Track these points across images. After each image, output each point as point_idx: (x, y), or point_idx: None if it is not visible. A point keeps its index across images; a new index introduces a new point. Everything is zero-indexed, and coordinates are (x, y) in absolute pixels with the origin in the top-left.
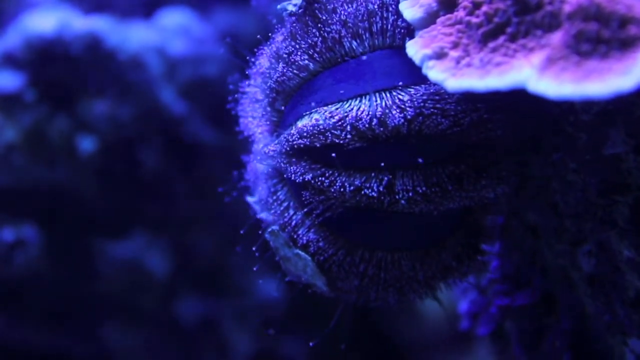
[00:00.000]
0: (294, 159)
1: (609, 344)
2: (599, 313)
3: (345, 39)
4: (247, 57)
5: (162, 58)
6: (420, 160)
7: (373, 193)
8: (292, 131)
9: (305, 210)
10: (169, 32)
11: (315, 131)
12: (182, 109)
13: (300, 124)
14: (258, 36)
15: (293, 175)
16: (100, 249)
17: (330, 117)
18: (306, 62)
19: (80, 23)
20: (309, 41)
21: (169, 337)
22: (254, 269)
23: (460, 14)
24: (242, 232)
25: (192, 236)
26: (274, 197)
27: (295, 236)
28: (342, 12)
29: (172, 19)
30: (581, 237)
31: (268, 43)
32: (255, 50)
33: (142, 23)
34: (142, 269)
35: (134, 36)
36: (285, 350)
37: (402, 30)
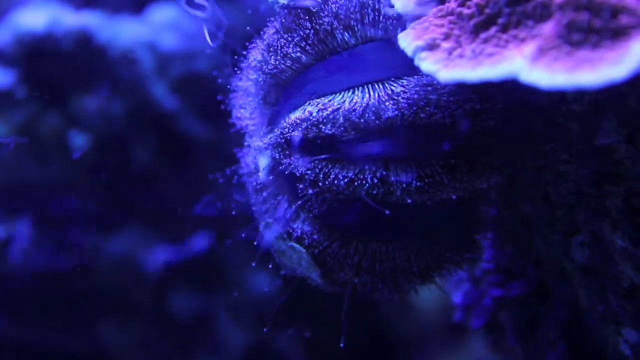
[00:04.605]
0: (287, 152)
1: (603, 333)
2: (593, 303)
3: (338, 31)
4: (239, 51)
5: (153, 53)
6: (413, 151)
7: (366, 185)
8: (285, 124)
9: (300, 202)
10: (160, 27)
11: (308, 123)
12: (173, 104)
13: (293, 116)
14: (247, 28)
15: (287, 168)
16: (93, 244)
17: (324, 109)
18: (298, 54)
19: (71, 19)
20: (301, 33)
21: (163, 332)
22: (249, 263)
23: (451, 5)
24: (235, 226)
25: (185, 231)
26: (268, 190)
27: (289, 229)
28: (334, 3)
29: (162, 13)
30: (574, 228)
31: (260, 36)
32: (247, 43)
33: (132, 18)
34: (136, 264)
35: (124, 32)
36: (279, 344)
37: (394, 22)
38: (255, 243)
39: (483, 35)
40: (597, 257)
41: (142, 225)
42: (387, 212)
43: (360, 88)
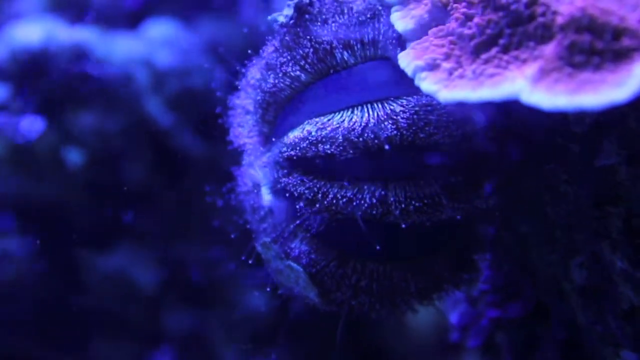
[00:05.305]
0: (286, 171)
1: (601, 355)
2: (591, 324)
3: (337, 50)
4: (235, 68)
5: (149, 70)
6: (413, 171)
7: (365, 205)
8: (284, 142)
9: (298, 222)
10: (155, 44)
11: (307, 142)
12: (169, 121)
13: (292, 135)
14: (249, 51)
15: (285, 187)
16: (87, 261)
17: (322, 128)
18: (297, 73)
19: (66, 34)
20: (300, 52)
21: (156, 349)
22: (245, 281)
23: (452, 25)
24: (231, 244)
25: (180, 248)
26: (266, 209)
27: (287, 248)
28: (334, 22)
29: (158, 30)
30: (573, 249)
31: (259, 54)
32: (245, 61)
33: (128, 34)
34: (130, 281)
35: (120, 48)
36: None
37: (394, 41)
38: (251, 262)
39: (484, 56)
40: (596, 278)
41: (136, 242)
42: (385, 231)
43: (360, 107)
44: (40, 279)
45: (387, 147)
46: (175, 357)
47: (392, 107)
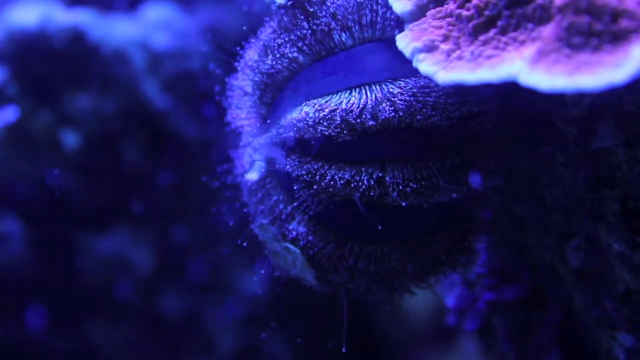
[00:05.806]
0: (283, 152)
1: (597, 337)
2: (587, 307)
3: (335, 32)
4: (234, 50)
5: (146, 52)
6: (410, 153)
7: (363, 186)
8: (281, 124)
9: (295, 204)
10: (152, 26)
11: (304, 124)
12: (165, 103)
13: (290, 116)
14: (244, 28)
15: (283, 169)
16: (83, 243)
17: (320, 109)
18: (295, 54)
19: (63, 16)
20: (298, 33)
21: (152, 332)
22: (242, 264)
23: (450, 6)
24: (228, 226)
25: (176, 230)
26: (264, 191)
27: (284, 230)
28: (332, 4)
29: (155, 12)
30: (570, 231)
31: (256, 36)
32: (243, 43)
33: (125, 16)
34: (126, 263)
35: (117, 30)
36: (269, 346)
37: (392, 23)
38: (248, 244)
39: (482, 38)
40: (593, 260)
41: (133, 224)
42: (383, 213)
43: (357, 89)
44: (36, 261)
45: (385, 128)
46: (170, 338)
47: (390, 89)
